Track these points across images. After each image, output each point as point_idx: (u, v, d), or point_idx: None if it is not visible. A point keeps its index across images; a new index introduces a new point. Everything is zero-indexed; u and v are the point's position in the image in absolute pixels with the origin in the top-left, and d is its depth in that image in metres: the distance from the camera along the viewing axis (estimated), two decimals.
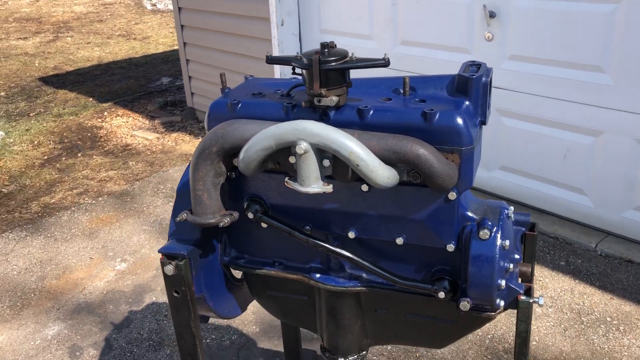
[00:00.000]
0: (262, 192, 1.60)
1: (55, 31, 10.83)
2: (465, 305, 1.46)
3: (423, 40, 3.84)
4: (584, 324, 2.75)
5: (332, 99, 1.41)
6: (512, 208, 1.55)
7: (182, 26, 5.47)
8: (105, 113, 6.24)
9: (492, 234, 1.41)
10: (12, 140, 5.61)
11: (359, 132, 1.39)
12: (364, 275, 1.63)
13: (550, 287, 3.02)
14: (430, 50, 3.82)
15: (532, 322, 1.97)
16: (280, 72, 4.54)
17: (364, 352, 1.83)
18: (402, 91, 1.48)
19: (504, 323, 2.76)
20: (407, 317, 1.69)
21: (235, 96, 1.58)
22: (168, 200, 4.20)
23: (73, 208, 4.17)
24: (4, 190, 4.58)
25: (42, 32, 10.80)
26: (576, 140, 3.33)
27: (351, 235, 1.55)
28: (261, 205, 1.61)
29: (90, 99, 6.73)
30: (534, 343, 2.64)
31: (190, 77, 5.68)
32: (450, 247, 1.48)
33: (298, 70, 1.50)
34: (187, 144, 5.29)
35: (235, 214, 1.58)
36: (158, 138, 5.48)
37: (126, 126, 5.86)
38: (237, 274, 1.87)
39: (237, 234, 1.73)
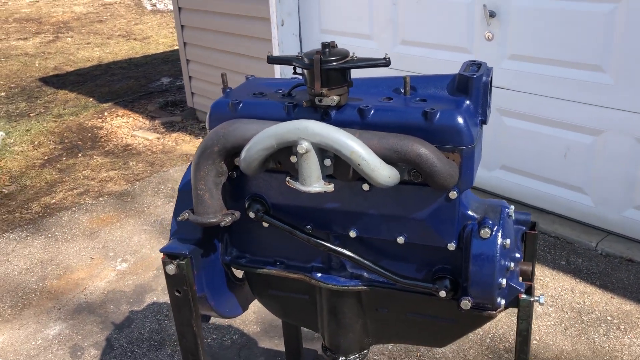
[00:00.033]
0: (264, 192, 1.60)
1: (55, 31, 10.83)
2: (466, 304, 1.47)
3: (423, 40, 3.85)
4: (585, 323, 2.76)
5: (333, 99, 1.41)
6: (512, 207, 1.55)
7: (182, 26, 5.47)
8: (106, 113, 6.24)
9: (493, 232, 1.42)
10: (12, 140, 5.62)
11: (360, 132, 1.39)
12: (365, 274, 1.63)
13: (551, 286, 3.02)
14: (430, 50, 3.82)
15: (533, 321, 1.98)
16: (280, 72, 4.54)
17: (365, 351, 1.84)
18: (402, 91, 1.48)
19: (504, 322, 2.76)
20: (408, 316, 1.70)
21: (236, 96, 1.59)
22: (168, 200, 4.21)
23: (74, 208, 4.18)
24: (4, 190, 4.58)
25: (42, 32, 10.80)
26: (576, 140, 3.34)
27: (352, 234, 1.56)
28: (262, 204, 1.61)
29: (91, 99, 6.74)
30: (534, 342, 2.64)
31: (190, 77, 5.68)
32: (451, 246, 1.48)
33: (299, 70, 1.50)
34: (188, 144, 5.30)
35: (237, 214, 1.58)
36: (158, 138, 5.48)
37: (126, 126, 5.87)
38: (239, 273, 1.87)
39: (239, 234, 1.73)
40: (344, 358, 1.81)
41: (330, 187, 1.43)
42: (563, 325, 2.75)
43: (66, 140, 5.57)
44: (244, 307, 1.92)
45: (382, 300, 1.69)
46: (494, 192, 3.83)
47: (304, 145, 1.36)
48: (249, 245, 1.74)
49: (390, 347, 2.66)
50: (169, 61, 8.37)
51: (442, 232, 1.47)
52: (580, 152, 3.34)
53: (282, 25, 4.46)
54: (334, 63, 1.39)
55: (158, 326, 2.92)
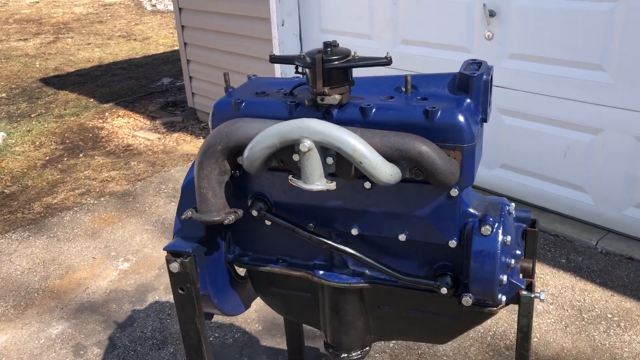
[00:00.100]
0: (266, 190, 1.62)
1: (56, 32, 10.84)
2: (467, 300, 1.48)
3: (423, 40, 3.86)
4: (585, 320, 2.77)
5: (335, 97, 1.42)
6: (513, 204, 1.56)
7: (182, 27, 5.48)
8: (107, 114, 6.26)
9: (494, 230, 1.43)
10: (13, 141, 5.63)
11: (361, 130, 1.41)
12: (367, 271, 1.65)
13: (551, 284, 3.04)
14: (430, 49, 3.84)
15: (534, 319, 1.99)
16: (281, 71, 4.55)
17: (367, 348, 1.85)
18: (404, 89, 1.50)
19: (505, 320, 2.78)
20: (410, 313, 1.71)
21: (238, 95, 1.60)
22: (170, 200, 4.22)
23: (75, 208, 4.19)
24: (6, 191, 4.59)
25: (43, 33, 10.81)
26: (576, 138, 3.35)
27: (354, 232, 1.57)
28: (265, 203, 1.62)
29: (91, 100, 6.75)
30: (535, 339, 2.66)
31: (191, 78, 5.69)
32: (453, 243, 1.49)
33: (300, 70, 1.51)
34: (189, 144, 5.31)
35: (240, 212, 1.59)
36: (159, 138, 5.49)
37: (127, 127, 5.88)
38: (241, 271, 1.88)
39: (241, 232, 1.74)
40: (346, 355, 1.82)
41: (332, 185, 1.44)
42: (563, 322, 2.76)
43: (67, 141, 5.58)
44: (247, 305, 1.93)
45: (383, 298, 1.70)
46: (494, 191, 3.84)
47: (306, 144, 1.37)
48: (252, 243, 1.76)
49: (391, 345, 2.67)
50: (169, 61, 8.38)
51: (443, 230, 1.49)
52: (580, 151, 3.35)
53: (283, 25, 4.47)
54: (336, 62, 1.41)
55: (160, 325, 2.93)
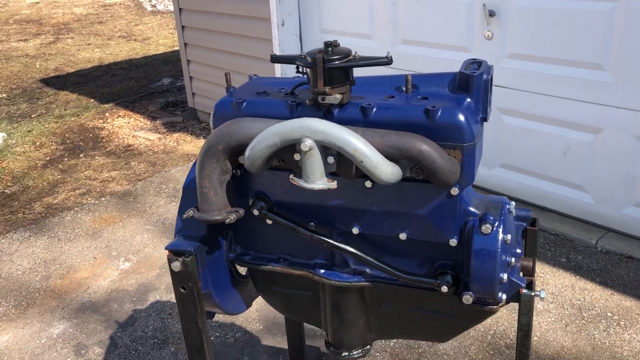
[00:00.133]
0: (267, 189, 1.62)
1: (56, 33, 10.85)
2: (467, 298, 1.49)
3: (423, 40, 3.87)
4: (585, 319, 2.78)
5: (335, 97, 1.43)
6: (513, 203, 1.57)
7: (182, 27, 5.49)
8: (107, 114, 6.26)
9: (494, 228, 1.43)
10: (14, 141, 5.64)
11: (362, 129, 1.41)
12: (367, 270, 1.65)
13: (552, 283, 3.04)
14: (430, 49, 3.84)
15: (534, 317, 1.99)
16: (281, 71, 4.56)
17: (368, 347, 1.85)
18: (404, 89, 1.50)
19: (505, 319, 2.78)
20: (411, 311, 1.72)
21: (240, 95, 1.60)
22: (170, 200, 4.23)
23: (76, 208, 4.20)
24: (7, 191, 4.60)
25: (43, 33, 10.82)
26: (576, 138, 3.36)
27: (355, 231, 1.57)
28: (266, 202, 1.63)
29: (92, 100, 6.76)
30: (535, 338, 2.66)
31: (191, 78, 5.70)
32: (453, 242, 1.50)
33: (301, 69, 1.52)
34: (189, 144, 5.32)
35: (241, 211, 1.60)
36: (160, 138, 5.50)
37: (128, 127, 5.89)
38: (242, 270, 1.89)
39: (243, 231, 1.75)
40: (347, 353, 1.83)
41: (333, 184, 1.45)
42: (563, 321, 2.77)
43: (68, 141, 5.59)
44: (248, 304, 1.94)
45: (384, 296, 1.71)
46: (495, 191, 3.85)
47: (307, 143, 1.38)
48: (253, 243, 1.76)
49: (392, 344, 2.68)
50: (169, 62, 8.39)
51: (443, 228, 1.49)
52: (580, 150, 3.36)
53: (283, 25, 4.48)
54: (337, 62, 1.41)
55: (161, 324, 2.94)
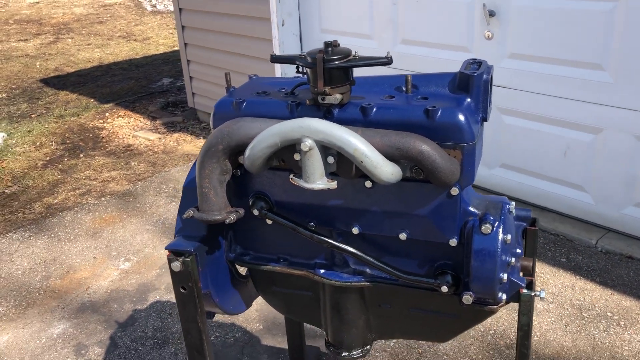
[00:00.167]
0: (267, 189, 1.62)
1: (56, 33, 10.85)
2: (467, 298, 1.49)
3: (423, 40, 3.87)
4: (585, 319, 2.78)
5: (336, 97, 1.43)
6: (513, 203, 1.57)
7: (182, 27, 5.49)
8: (107, 114, 6.26)
9: (494, 228, 1.43)
10: (14, 141, 5.64)
11: (362, 129, 1.41)
12: (367, 270, 1.65)
13: (552, 283, 3.04)
14: (430, 49, 3.85)
15: (534, 317, 1.99)
16: (281, 71, 4.56)
17: (368, 347, 1.85)
18: (404, 89, 1.50)
19: (505, 319, 2.78)
20: (411, 311, 1.72)
21: (240, 95, 1.60)
22: (170, 200, 4.23)
23: (76, 208, 4.20)
24: (7, 191, 4.60)
25: (43, 33, 10.82)
26: (576, 138, 3.36)
27: (355, 231, 1.57)
28: (266, 202, 1.63)
29: (92, 100, 6.76)
30: (535, 338, 2.66)
31: (191, 78, 5.70)
32: (453, 242, 1.50)
33: (301, 69, 1.52)
34: (189, 144, 5.32)
35: (241, 211, 1.60)
36: (160, 138, 5.50)
37: (128, 127, 5.89)
38: (242, 270, 1.89)
39: (243, 231, 1.75)
40: (347, 353, 1.83)
41: (333, 184, 1.45)
42: (563, 321, 2.77)
43: (68, 141, 5.59)
44: (248, 304, 1.94)
45: (384, 296, 1.71)
46: (494, 191, 3.85)
47: (307, 143, 1.38)
48: (253, 243, 1.76)
49: (392, 344, 2.68)
50: (169, 62, 8.39)
51: (443, 228, 1.49)
52: (580, 150, 3.36)
53: (283, 25, 4.48)
54: (337, 62, 1.41)
55: (161, 324, 2.94)
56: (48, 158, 5.22)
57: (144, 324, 2.95)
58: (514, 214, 1.60)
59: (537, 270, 3.04)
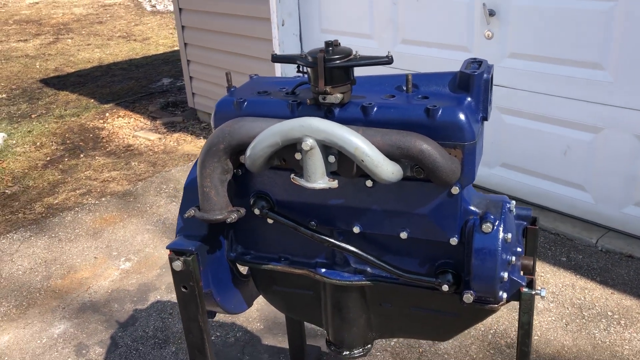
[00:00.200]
0: (268, 189, 1.63)
1: (56, 33, 10.85)
2: (468, 297, 1.49)
3: (423, 39, 3.87)
4: (585, 318, 2.78)
5: (336, 96, 1.43)
6: (513, 202, 1.57)
7: (182, 27, 5.49)
8: (107, 114, 6.27)
9: (495, 227, 1.44)
10: (14, 141, 5.64)
11: (363, 129, 1.42)
12: (368, 269, 1.66)
13: (552, 282, 3.05)
14: (430, 48, 3.85)
15: (534, 317, 2.00)
16: (281, 71, 4.57)
17: (369, 346, 1.86)
18: (405, 88, 1.51)
19: (506, 318, 2.79)
20: (412, 310, 1.72)
21: (241, 94, 1.61)
22: (171, 200, 4.23)
23: (77, 208, 4.20)
24: (7, 191, 4.60)
25: (42, 34, 10.83)
26: (576, 137, 3.36)
27: (356, 230, 1.58)
28: (267, 201, 1.63)
29: (92, 100, 6.76)
30: (535, 337, 2.67)
31: (191, 78, 5.70)
32: (454, 241, 1.50)
33: (302, 69, 1.52)
34: (189, 144, 5.32)
35: (242, 210, 1.60)
36: (160, 138, 5.50)
37: (128, 127, 5.89)
38: (243, 269, 1.89)
39: (244, 230, 1.75)
40: (348, 352, 1.83)
41: (334, 184, 1.45)
42: (564, 320, 2.77)
43: (68, 141, 5.59)
44: (249, 303, 1.94)
45: (385, 295, 1.71)
46: (495, 190, 3.85)
47: (308, 142, 1.38)
48: (254, 242, 1.77)
49: (392, 343, 2.68)
50: (169, 62, 8.39)
51: (444, 227, 1.50)
52: (580, 150, 3.36)
53: (283, 25, 4.48)
54: (338, 61, 1.42)
55: (162, 324, 2.94)
56: (48, 158, 5.22)
57: (145, 324, 2.95)
58: (515, 213, 1.60)
59: (537, 269, 3.04)
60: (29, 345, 2.87)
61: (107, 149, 5.35)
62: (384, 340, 2.68)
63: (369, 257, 1.60)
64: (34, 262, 3.57)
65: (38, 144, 5.56)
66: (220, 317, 2.89)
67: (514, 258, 1.49)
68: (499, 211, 1.49)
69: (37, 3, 13.97)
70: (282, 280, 1.83)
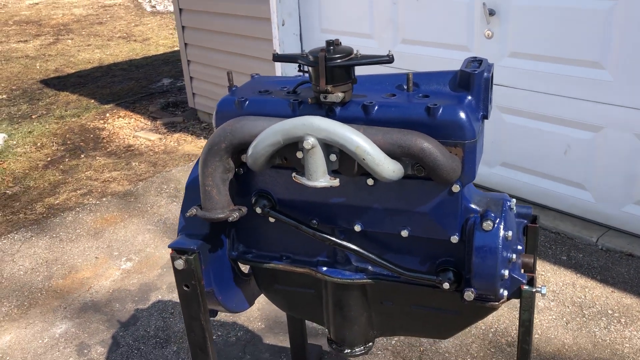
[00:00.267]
0: (270, 187, 1.63)
1: (56, 34, 10.86)
2: (469, 295, 1.50)
3: (423, 39, 3.87)
4: (586, 316, 2.79)
5: (337, 95, 1.44)
6: (514, 200, 1.58)
7: (183, 27, 5.50)
8: (107, 114, 6.27)
9: (495, 225, 1.45)
10: (15, 142, 5.65)
11: (364, 127, 1.42)
12: (369, 267, 1.66)
13: (552, 281, 3.05)
14: (430, 48, 3.85)
15: (535, 315, 2.00)
16: (281, 71, 4.57)
17: (370, 344, 1.86)
18: (405, 87, 1.51)
19: (506, 317, 2.79)
20: (413, 308, 1.73)
21: (242, 94, 1.61)
22: (172, 200, 4.24)
23: (77, 209, 4.21)
24: (8, 191, 4.61)
25: (43, 34, 10.83)
26: (576, 136, 3.37)
27: (357, 228, 1.59)
28: (269, 200, 1.64)
29: (92, 101, 6.77)
30: (536, 336, 2.67)
31: (191, 78, 5.71)
32: (454, 239, 1.51)
33: (303, 68, 1.53)
34: (189, 144, 5.33)
35: (244, 209, 1.61)
36: (160, 139, 5.51)
37: (128, 127, 5.89)
38: (245, 268, 1.90)
39: (245, 229, 1.76)
40: (349, 350, 1.84)
41: (335, 182, 1.46)
42: (564, 319, 2.78)
43: (68, 142, 5.60)
44: (251, 302, 1.95)
45: (386, 293, 1.72)
46: (495, 189, 3.85)
47: (309, 141, 1.39)
48: (256, 241, 1.77)
49: (393, 342, 2.69)
50: (169, 62, 8.40)
51: (445, 225, 1.50)
52: (581, 149, 3.37)
53: (283, 25, 4.49)
54: (339, 60, 1.42)
55: (163, 324, 2.95)
56: (49, 159, 5.23)
57: (146, 324, 2.96)
58: (515, 211, 1.61)
59: (537, 268, 3.05)
60: (31, 345, 2.87)
61: (108, 149, 5.35)
62: (385, 338, 2.69)
63: (370, 255, 1.61)
64: (35, 262, 3.57)
65: (39, 144, 5.56)
66: (222, 316, 2.90)
67: (514, 256, 1.50)
68: (500, 209, 1.49)
69: (37, 4, 13.98)
70: (283, 278, 1.84)
